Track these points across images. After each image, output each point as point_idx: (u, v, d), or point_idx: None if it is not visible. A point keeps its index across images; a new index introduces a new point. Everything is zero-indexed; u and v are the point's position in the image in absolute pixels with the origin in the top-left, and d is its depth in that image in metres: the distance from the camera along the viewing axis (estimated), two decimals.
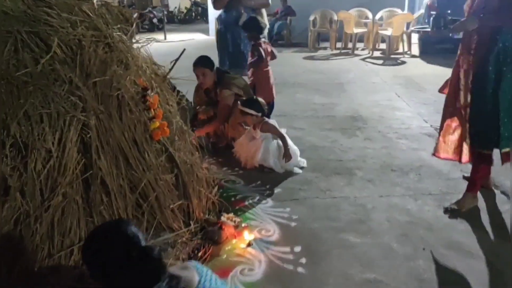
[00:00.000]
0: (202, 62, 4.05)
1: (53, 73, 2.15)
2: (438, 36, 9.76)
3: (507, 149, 2.77)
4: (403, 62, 8.96)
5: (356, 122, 5.11)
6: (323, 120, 5.20)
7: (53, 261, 2.11)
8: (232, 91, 4.07)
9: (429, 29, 7.50)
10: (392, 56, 9.50)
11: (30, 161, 2.02)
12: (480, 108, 2.82)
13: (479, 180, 3.09)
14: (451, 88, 3.04)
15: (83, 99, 2.16)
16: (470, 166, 3.24)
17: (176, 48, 3.58)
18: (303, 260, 2.56)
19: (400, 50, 10.00)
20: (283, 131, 3.84)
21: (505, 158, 2.92)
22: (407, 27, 9.60)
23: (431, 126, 4.92)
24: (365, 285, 2.36)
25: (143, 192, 2.45)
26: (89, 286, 2.12)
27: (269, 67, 4.57)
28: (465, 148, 3.00)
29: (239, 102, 3.86)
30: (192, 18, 19.49)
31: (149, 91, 2.53)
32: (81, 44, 2.29)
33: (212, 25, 12.15)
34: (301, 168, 3.82)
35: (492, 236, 2.81)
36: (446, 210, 3.07)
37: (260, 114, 3.76)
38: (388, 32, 9.66)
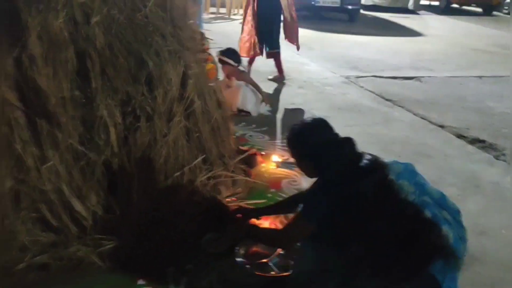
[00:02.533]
0: None
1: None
2: (299, 4, 11.11)
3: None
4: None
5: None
6: (252, 75, 5.83)
7: (170, 182, 2.44)
8: None
9: None
10: None
11: (157, 92, 2.30)
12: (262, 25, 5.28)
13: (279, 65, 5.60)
14: (249, 13, 5.43)
15: (183, 39, 2.48)
16: (387, 102, 4.64)
17: None
18: None
19: None
20: None
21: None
22: None
23: (340, 76, 6.00)
24: None
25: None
26: (203, 199, 2.53)
27: None
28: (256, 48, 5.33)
29: (218, 51, 4.30)
30: None
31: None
32: None
33: None
34: (269, 111, 4.47)
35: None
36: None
37: (237, 65, 4.26)
38: None
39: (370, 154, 1.95)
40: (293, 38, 5.68)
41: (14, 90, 1.97)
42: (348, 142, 1.95)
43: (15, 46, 1.96)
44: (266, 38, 5.45)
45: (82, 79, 2.13)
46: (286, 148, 2.06)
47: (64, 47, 2.03)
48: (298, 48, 5.83)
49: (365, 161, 1.90)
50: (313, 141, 1.92)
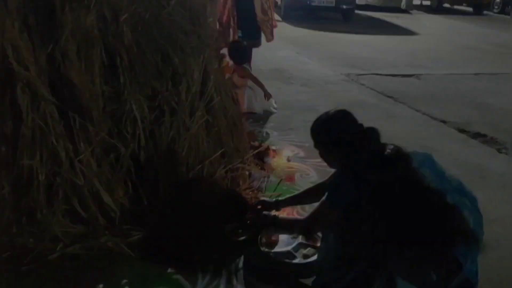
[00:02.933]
0: None
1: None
2: (295, 4, 11.25)
3: None
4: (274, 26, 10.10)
5: (283, 73, 5.99)
6: (255, 73, 5.91)
7: (192, 174, 2.52)
8: None
9: None
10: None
11: (181, 88, 2.37)
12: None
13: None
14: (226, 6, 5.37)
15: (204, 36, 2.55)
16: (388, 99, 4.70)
17: None
18: None
19: None
20: None
21: None
22: None
23: (341, 74, 6.11)
24: None
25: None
26: (223, 191, 2.61)
27: None
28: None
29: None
30: None
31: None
32: None
33: None
34: (275, 108, 4.56)
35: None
36: None
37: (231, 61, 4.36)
38: None
39: (392, 144, 2.05)
40: (266, 30, 5.78)
41: (48, 85, 2.03)
42: (373, 132, 2.04)
43: (49, 43, 2.02)
44: (247, 29, 5.50)
45: (111, 75, 2.19)
46: (310, 138, 2.13)
47: (95, 43, 2.10)
48: (267, 40, 5.92)
49: (388, 150, 2.00)
50: (339, 131, 2.01)
